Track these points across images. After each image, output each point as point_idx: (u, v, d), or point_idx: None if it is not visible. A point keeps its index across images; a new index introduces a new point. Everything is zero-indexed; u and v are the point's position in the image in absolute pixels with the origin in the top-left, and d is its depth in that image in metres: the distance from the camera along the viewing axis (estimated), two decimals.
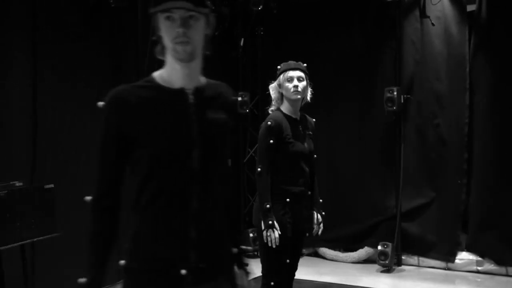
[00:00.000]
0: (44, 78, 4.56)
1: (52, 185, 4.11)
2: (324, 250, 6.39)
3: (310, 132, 3.45)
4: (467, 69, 5.80)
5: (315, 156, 3.51)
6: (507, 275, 5.57)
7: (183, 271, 1.75)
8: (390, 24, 6.06)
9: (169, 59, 1.82)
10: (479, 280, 5.52)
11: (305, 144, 3.36)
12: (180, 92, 1.82)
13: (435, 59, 5.93)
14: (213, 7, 1.90)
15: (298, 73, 3.33)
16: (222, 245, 1.88)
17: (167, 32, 1.77)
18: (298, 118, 3.40)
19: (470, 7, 5.83)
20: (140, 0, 5.24)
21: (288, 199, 3.26)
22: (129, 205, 1.83)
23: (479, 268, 5.69)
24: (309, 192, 3.42)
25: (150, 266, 1.78)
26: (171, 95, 1.82)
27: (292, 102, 3.35)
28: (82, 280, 1.78)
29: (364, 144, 6.28)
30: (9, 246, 3.76)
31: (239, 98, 6.59)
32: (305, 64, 3.48)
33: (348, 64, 6.36)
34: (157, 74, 1.86)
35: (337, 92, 6.35)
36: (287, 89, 3.32)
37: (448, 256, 5.72)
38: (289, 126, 3.31)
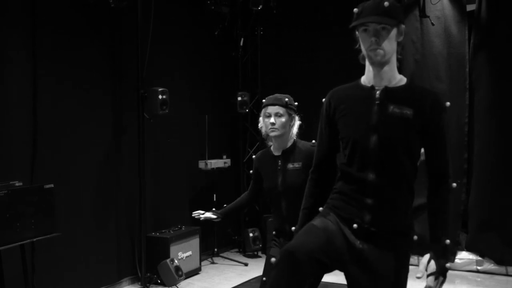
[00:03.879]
0: (44, 78, 4.56)
1: (52, 185, 4.11)
2: None
3: (295, 165, 3.20)
4: (467, 69, 5.81)
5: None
6: (507, 274, 5.58)
7: (355, 226, 2.21)
8: None
9: (367, 64, 2.25)
10: (479, 279, 5.53)
11: (279, 180, 3.20)
12: (371, 89, 2.24)
13: (435, 59, 5.93)
14: (401, 20, 2.19)
15: (276, 109, 3.18)
16: (399, 221, 2.24)
17: (363, 42, 2.20)
18: (280, 153, 3.25)
19: (470, 7, 5.83)
20: (140, 0, 5.25)
21: (274, 232, 3.29)
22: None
23: (479, 267, 5.70)
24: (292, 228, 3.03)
25: (339, 214, 2.27)
26: (363, 91, 2.26)
27: (273, 138, 3.26)
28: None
29: None
30: (9, 246, 3.75)
31: (239, 98, 6.64)
32: (286, 99, 3.22)
33: (349, 64, 6.34)
34: (363, 76, 2.30)
35: None
36: (266, 125, 3.22)
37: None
38: (267, 163, 3.29)
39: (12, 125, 4.33)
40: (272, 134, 3.19)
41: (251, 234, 6.53)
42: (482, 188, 5.70)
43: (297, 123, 3.26)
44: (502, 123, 5.60)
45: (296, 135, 3.26)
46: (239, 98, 6.64)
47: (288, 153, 3.22)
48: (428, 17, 5.88)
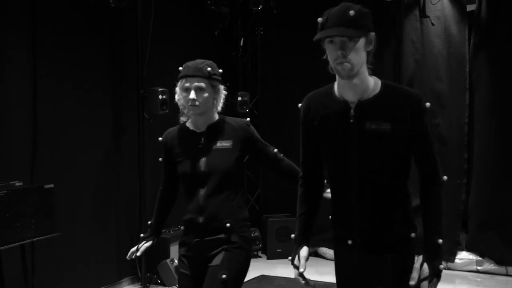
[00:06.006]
0: (44, 78, 4.56)
1: (52, 185, 4.11)
2: (324, 250, 6.39)
3: (223, 143, 2.69)
4: (467, 69, 5.81)
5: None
6: (507, 274, 5.58)
7: (350, 242, 2.19)
8: (390, 23, 6.06)
9: (337, 75, 2.12)
10: (479, 279, 5.52)
11: (201, 162, 2.64)
12: (345, 104, 2.13)
13: (435, 59, 5.94)
14: (370, 28, 2.06)
15: (196, 82, 2.63)
16: (396, 229, 2.19)
17: (330, 54, 2.08)
18: (204, 130, 2.71)
19: (470, 7, 5.83)
20: (140, 0, 5.25)
21: (182, 227, 2.78)
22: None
23: (479, 267, 5.70)
24: (201, 220, 2.64)
25: (337, 234, 2.27)
26: (338, 105, 2.14)
27: (193, 116, 2.71)
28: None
29: None
30: (9, 246, 3.76)
31: (239, 98, 6.63)
32: (209, 68, 2.73)
33: None
34: (336, 84, 2.18)
35: None
36: (185, 101, 2.64)
37: (448, 256, 5.72)
38: (183, 141, 2.71)
39: (12, 125, 4.33)
40: (193, 112, 2.65)
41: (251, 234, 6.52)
42: (482, 188, 5.70)
43: (222, 94, 2.76)
44: (502, 123, 5.60)
45: (221, 106, 2.77)
46: (239, 98, 6.62)
47: (215, 129, 2.70)
48: (428, 17, 5.89)
